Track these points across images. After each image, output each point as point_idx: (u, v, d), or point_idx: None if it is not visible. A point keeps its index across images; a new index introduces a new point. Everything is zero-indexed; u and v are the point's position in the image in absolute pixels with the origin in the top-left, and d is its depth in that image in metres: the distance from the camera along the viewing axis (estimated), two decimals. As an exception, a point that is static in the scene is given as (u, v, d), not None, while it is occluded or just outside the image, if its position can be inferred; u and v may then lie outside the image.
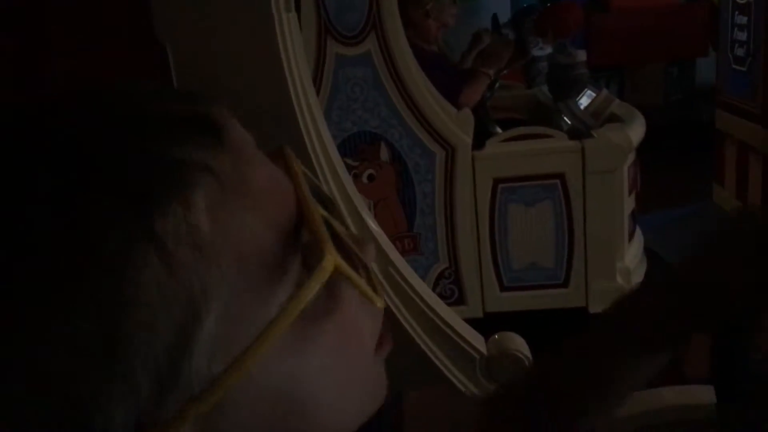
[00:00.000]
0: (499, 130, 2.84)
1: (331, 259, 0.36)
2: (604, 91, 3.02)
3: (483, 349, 1.27)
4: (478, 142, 2.63)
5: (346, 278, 0.37)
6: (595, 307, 2.69)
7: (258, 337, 0.34)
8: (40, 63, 1.06)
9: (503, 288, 2.71)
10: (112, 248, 0.31)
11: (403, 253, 2.61)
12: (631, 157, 2.69)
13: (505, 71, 3.04)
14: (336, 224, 0.43)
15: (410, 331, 1.20)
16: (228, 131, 0.38)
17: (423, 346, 1.21)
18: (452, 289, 2.70)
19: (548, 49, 3.21)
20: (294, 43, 0.98)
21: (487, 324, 1.54)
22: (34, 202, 0.32)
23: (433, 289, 2.63)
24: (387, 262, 1.18)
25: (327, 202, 0.44)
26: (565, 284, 2.70)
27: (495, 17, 3.42)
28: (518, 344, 1.18)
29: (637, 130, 2.69)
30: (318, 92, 2.51)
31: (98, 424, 0.31)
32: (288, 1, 0.98)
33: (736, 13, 4.06)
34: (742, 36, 4.01)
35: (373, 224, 1.37)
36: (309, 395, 0.38)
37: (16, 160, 0.33)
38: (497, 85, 3.10)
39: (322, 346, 0.39)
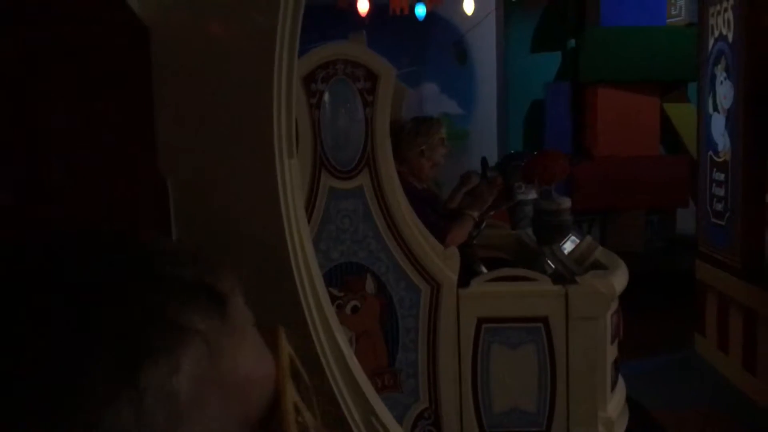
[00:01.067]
0: (484, 269, 2.87)
1: None
2: (588, 238, 3.09)
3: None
4: (464, 281, 2.64)
5: None
6: (577, 458, 2.61)
7: None
8: (41, 196, 1.08)
9: (484, 432, 2.63)
10: (94, 387, 0.33)
11: (383, 389, 2.55)
12: (614, 305, 2.71)
13: (491, 213, 3.12)
14: (305, 413, 0.44)
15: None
16: (231, 306, 0.40)
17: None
18: (431, 431, 2.62)
19: (533, 194, 3.31)
20: (293, 187, 1.01)
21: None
22: (35, 336, 0.34)
23: (412, 430, 2.55)
24: (369, 411, 1.15)
25: (303, 389, 0.46)
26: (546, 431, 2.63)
27: (484, 160, 3.55)
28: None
29: (620, 278, 2.73)
30: (308, 221, 2.55)
31: None
32: (290, 148, 1.03)
33: (714, 170, 4.24)
34: (720, 191, 4.16)
35: (352, 362, 1.35)
36: None
37: (25, 299, 0.36)
38: (483, 225, 3.17)
39: None
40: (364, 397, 1.14)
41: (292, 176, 1.01)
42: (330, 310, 1.18)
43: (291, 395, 0.41)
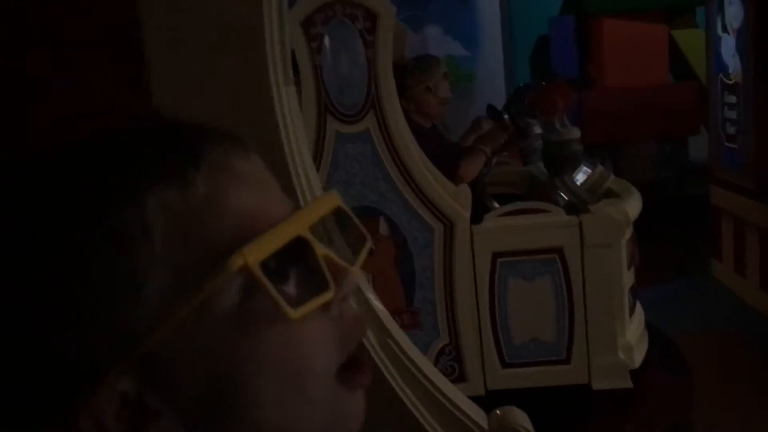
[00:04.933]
0: (496, 204, 2.86)
1: (240, 260, 0.41)
2: (600, 167, 3.06)
3: (484, 424, 1.24)
4: (476, 217, 2.64)
5: (256, 280, 0.42)
6: (599, 384, 2.64)
7: (172, 312, 0.42)
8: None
9: (504, 364, 2.67)
10: (80, 238, 0.42)
11: (403, 328, 2.57)
12: (629, 231, 2.70)
13: (505, 153, 3.09)
14: (319, 247, 0.46)
15: (409, 404, 1.17)
16: (207, 153, 0.46)
17: (422, 421, 1.17)
18: (453, 366, 2.66)
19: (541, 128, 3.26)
20: (293, 116, 1.00)
21: (489, 401, 1.50)
22: (37, 224, 0.43)
23: (434, 366, 2.59)
24: (385, 334, 1.16)
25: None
26: (567, 360, 2.65)
27: (491, 107, 3.49)
28: (520, 419, 1.15)
29: (633, 205, 2.71)
30: (318, 167, 2.54)
31: (59, 346, 0.41)
32: (287, 75, 1.01)
33: (725, 92, 4.17)
34: (732, 114, 4.10)
35: (372, 297, 1.36)
36: (241, 385, 0.43)
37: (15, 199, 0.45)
38: (494, 161, 3.15)
39: (260, 348, 0.43)
40: (379, 322, 1.15)
41: (289, 103, 1.00)
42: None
43: (289, 227, 0.45)
